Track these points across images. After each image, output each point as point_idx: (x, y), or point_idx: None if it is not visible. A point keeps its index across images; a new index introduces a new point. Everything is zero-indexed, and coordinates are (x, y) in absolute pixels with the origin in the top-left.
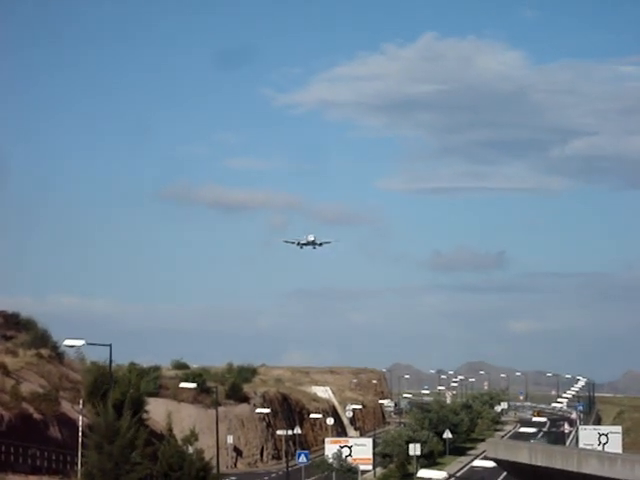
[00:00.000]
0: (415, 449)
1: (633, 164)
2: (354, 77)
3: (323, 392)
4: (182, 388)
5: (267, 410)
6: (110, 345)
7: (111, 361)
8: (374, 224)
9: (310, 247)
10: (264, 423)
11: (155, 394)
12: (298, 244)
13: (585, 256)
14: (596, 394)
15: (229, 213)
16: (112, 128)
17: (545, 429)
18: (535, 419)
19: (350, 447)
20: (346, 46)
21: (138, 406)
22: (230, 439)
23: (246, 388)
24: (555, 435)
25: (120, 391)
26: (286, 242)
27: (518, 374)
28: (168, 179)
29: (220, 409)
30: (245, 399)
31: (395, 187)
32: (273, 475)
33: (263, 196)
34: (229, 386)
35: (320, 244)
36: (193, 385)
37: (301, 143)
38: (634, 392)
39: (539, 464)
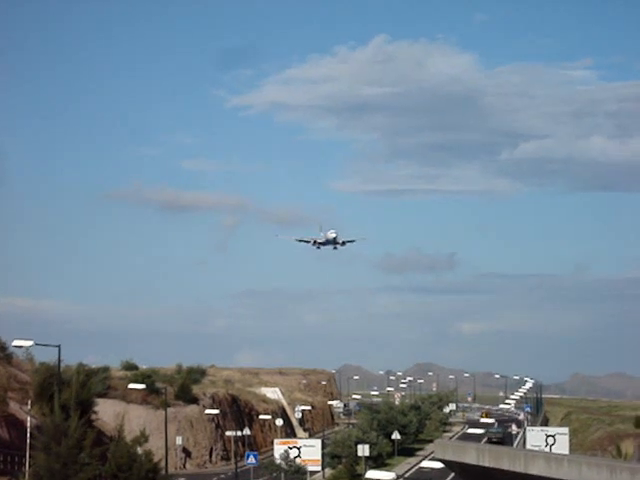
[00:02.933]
0: (364, 450)
1: (583, 167)
2: (306, 79)
3: (272, 393)
4: (131, 389)
5: (216, 411)
6: (59, 346)
7: (60, 362)
8: (326, 225)
9: (330, 247)
10: (213, 424)
11: (104, 395)
12: (314, 243)
13: (535, 258)
14: (544, 395)
15: (180, 214)
16: (64, 129)
17: (485, 440)
18: (483, 420)
19: (299, 448)
20: (298, 48)
21: (87, 407)
22: (179, 440)
23: (195, 389)
24: (502, 436)
25: (68, 392)
26: (299, 241)
27: (467, 375)
28: (119, 180)
29: (169, 410)
30: (194, 400)
31: (347, 189)
32: (222, 476)
33: (215, 197)
34: (178, 387)
35: (343, 243)
36: (142, 386)
37: (253, 145)
38: (581, 393)
39: (486, 465)
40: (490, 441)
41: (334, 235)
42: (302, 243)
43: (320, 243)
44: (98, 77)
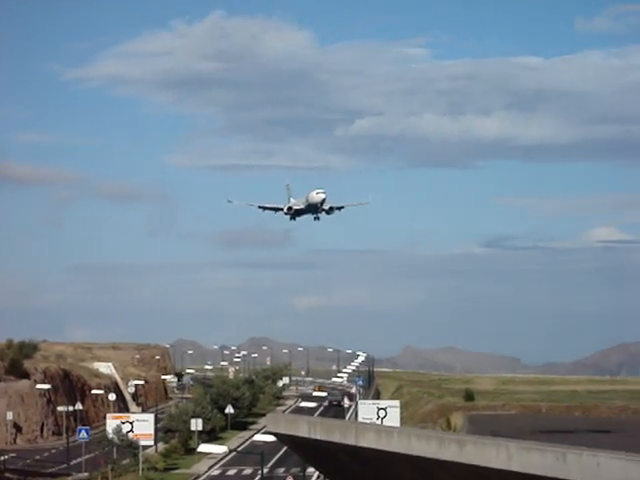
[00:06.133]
0: (197, 424)
1: (416, 143)
2: (143, 53)
3: (105, 368)
4: None
5: (48, 386)
6: None
7: None
8: (162, 200)
9: (309, 216)
10: (45, 399)
11: None
12: (289, 211)
13: (368, 234)
14: (376, 369)
15: (14, 188)
16: None
17: (326, 403)
18: (316, 393)
19: (132, 423)
20: (135, 22)
21: None
22: (10, 415)
23: (27, 364)
24: (335, 409)
25: None
26: (265, 209)
27: (300, 349)
28: None
29: (0, 385)
30: (26, 375)
31: (184, 163)
32: (53, 451)
33: (49, 172)
34: (9, 362)
35: (330, 209)
36: None
37: (90, 119)
38: (413, 367)
39: (318, 438)
40: (331, 404)
41: (323, 196)
42: (266, 212)
43: (297, 211)
44: None
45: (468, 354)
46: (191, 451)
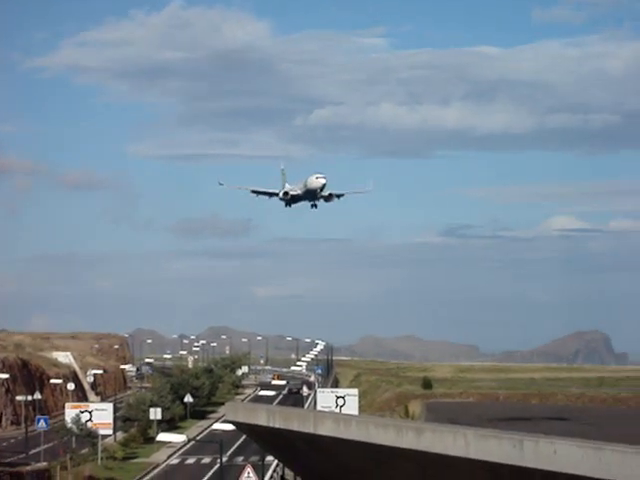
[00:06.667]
0: (156, 413)
1: (375, 133)
2: (102, 42)
3: (64, 357)
4: None
5: (6, 376)
6: None
7: None
8: (122, 190)
9: (306, 203)
10: (3, 389)
11: None
12: (285, 196)
13: (328, 223)
14: (334, 357)
15: None
16: None
17: (285, 391)
18: (274, 382)
19: (90, 412)
20: (95, 11)
21: None
22: None
23: None
24: (294, 397)
25: None
26: (258, 193)
27: (259, 338)
28: None
29: None
30: None
31: (144, 153)
32: (12, 441)
33: (7, 160)
34: None
35: (329, 196)
36: None
37: (48, 107)
38: (371, 355)
39: (277, 426)
40: (290, 392)
41: (323, 181)
42: (261, 196)
43: (294, 197)
44: None
45: (427, 342)
46: (150, 440)
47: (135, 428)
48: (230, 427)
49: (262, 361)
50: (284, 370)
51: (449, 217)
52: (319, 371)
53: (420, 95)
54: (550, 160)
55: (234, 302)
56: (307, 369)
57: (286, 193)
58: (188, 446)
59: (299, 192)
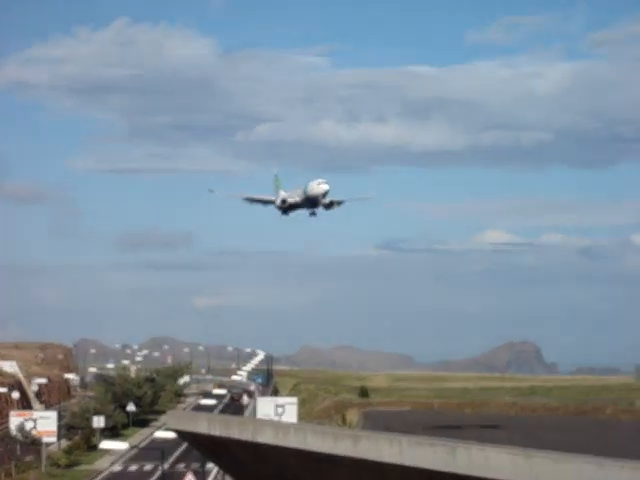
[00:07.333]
0: (99, 422)
1: (315, 149)
2: (47, 59)
3: (9, 367)
4: None
5: None
6: None
7: None
8: (64, 203)
9: (304, 211)
10: None
11: None
12: (283, 204)
13: (267, 235)
14: (274, 367)
15: None
16: None
17: (226, 401)
18: (215, 391)
19: (35, 420)
20: (39, 28)
21: None
22: None
23: None
24: (234, 407)
25: None
26: (253, 201)
27: (201, 348)
28: None
29: None
30: None
31: (87, 167)
32: None
33: None
34: None
35: (330, 204)
36: None
37: None
38: (310, 365)
39: (217, 434)
40: (232, 398)
41: (326, 187)
42: (257, 205)
43: (292, 204)
44: None
45: (364, 352)
46: (93, 448)
47: (79, 436)
48: (172, 435)
49: (203, 371)
50: (225, 379)
51: (385, 231)
52: (259, 380)
53: (358, 113)
54: (483, 176)
55: (176, 313)
56: (247, 378)
57: (284, 201)
58: (131, 453)
59: (298, 200)
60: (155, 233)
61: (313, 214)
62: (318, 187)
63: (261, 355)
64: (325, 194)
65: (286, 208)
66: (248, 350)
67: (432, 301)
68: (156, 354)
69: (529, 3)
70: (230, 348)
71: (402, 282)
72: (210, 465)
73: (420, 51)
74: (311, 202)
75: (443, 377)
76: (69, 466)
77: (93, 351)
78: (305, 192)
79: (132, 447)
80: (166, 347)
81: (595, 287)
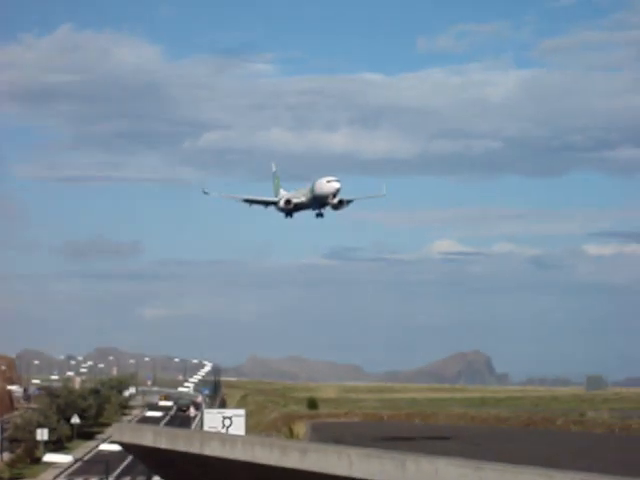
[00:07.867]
0: (42, 434)
1: (263, 157)
2: None
3: None
4: None
5: None
6: None
7: None
8: (6, 211)
9: (310, 211)
10: None
11: None
12: (286, 205)
13: (217, 245)
14: (222, 378)
15: None
16: None
17: (172, 413)
18: (162, 403)
19: None
20: None
21: None
22: None
23: None
24: (180, 419)
25: None
26: (252, 202)
27: (147, 359)
28: None
29: None
30: None
31: (31, 175)
32: None
33: None
34: None
35: (340, 203)
36: None
37: None
38: (258, 376)
39: (163, 447)
40: (180, 409)
41: (337, 186)
42: (257, 206)
43: (297, 205)
44: None
45: (312, 363)
46: (37, 461)
47: (22, 449)
48: (117, 447)
49: (149, 382)
50: (172, 391)
51: (334, 240)
52: (206, 392)
53: (307, 120)
54: (433, 185)
55: (121, 323)
56: (194, 390)
57: (288, 201)
58: (75, 466)
59: (304, 200)
60: (101, 242)
61: (320, 215)
62: (328, 185)
63: (208, 366)
64: (336, 193)
65: (291, 209)
66: (195, 361)
67: (382, 311)
68: (101, 365)
69: (480, 11)
70: (177, 359)
71: (351, 291)
72: (156, 478)
73: (371, 58)
74: (319, 202)
75: (393, 388)
76: (12, 479)
77: (37, 362)
78: (312, 191)
79: (76, 460)
80: (111, 358)
81: (546, 297)
